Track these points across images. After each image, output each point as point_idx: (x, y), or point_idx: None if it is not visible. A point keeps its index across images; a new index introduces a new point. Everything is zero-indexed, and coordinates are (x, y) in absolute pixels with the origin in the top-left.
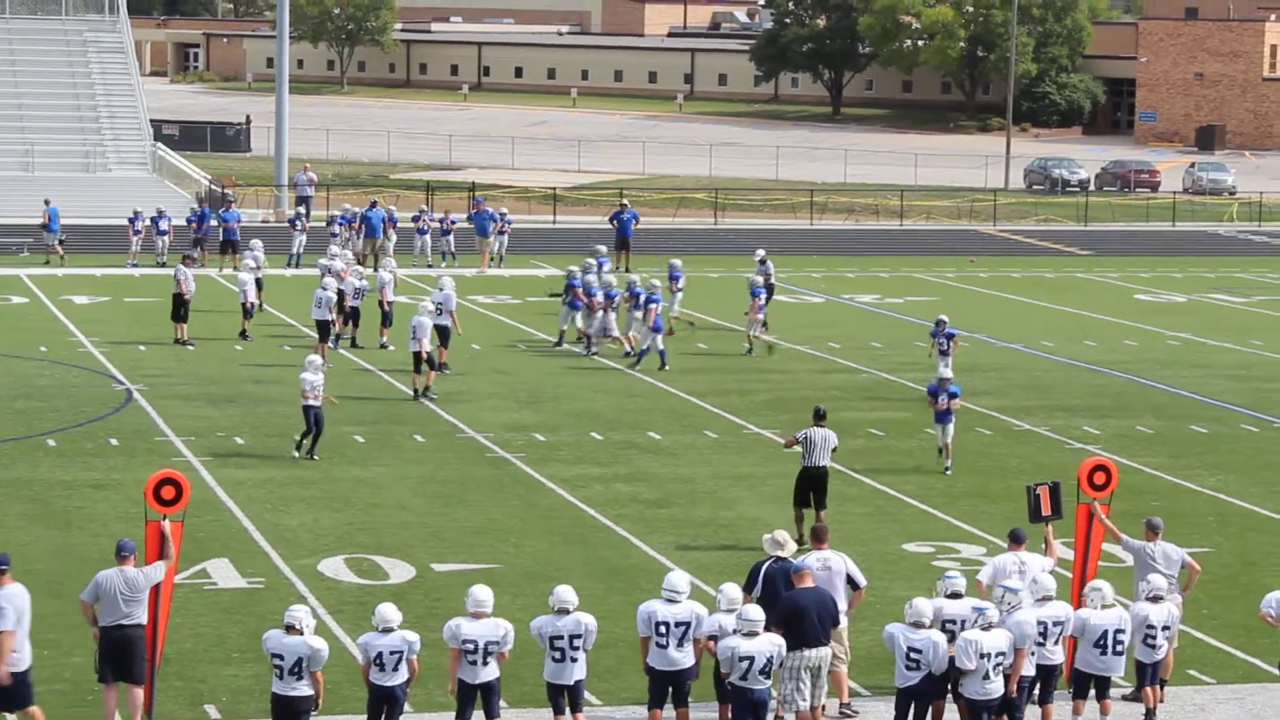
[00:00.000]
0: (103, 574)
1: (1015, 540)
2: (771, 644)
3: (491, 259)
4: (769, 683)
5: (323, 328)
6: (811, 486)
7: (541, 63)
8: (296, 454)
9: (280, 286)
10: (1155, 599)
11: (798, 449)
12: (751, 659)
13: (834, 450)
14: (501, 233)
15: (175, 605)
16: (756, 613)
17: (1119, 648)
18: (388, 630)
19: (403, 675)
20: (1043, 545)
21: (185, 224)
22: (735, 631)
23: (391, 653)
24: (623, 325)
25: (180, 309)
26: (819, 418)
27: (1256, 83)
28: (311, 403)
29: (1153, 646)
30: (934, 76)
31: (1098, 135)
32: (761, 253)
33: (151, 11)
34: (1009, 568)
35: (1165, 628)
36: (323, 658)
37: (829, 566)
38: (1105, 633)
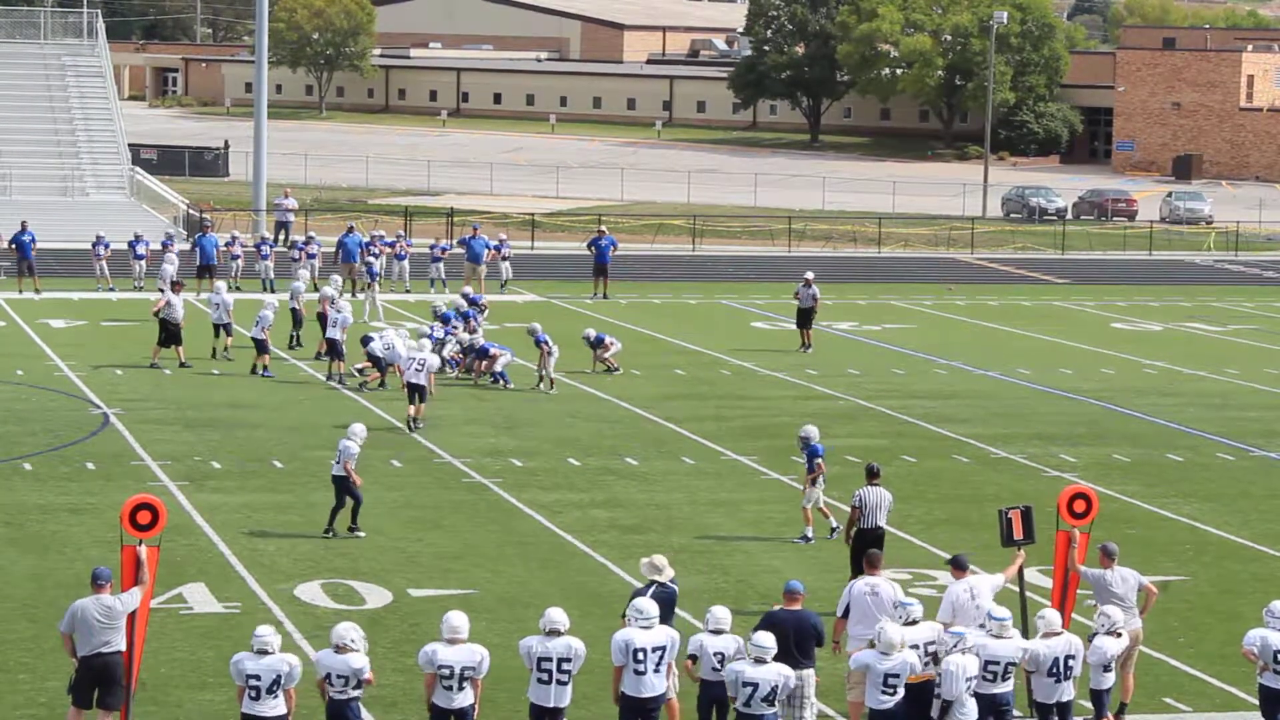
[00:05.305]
0: (78, 603)
1: (958, 567)
2: (779, 673)
3: (502, 285)
4: (772, 710)
5: (259, 345)
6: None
7: (520, 89)
8: (328, 534)
9: (255, 311)
10: (1114, 633)
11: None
12: (755, 685)
13: (889, 511)
14: (504, 259)
15: (151, 630)
16: (768, 639)
17: (1069, 673)
18: (341, 650)
19: (353, 694)
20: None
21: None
22: (743, 656)
23: (339, 676)
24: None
25: (164, 333)
26: (872, 476)
27: (1233, 113)
28: (342, 474)
29: (1106, 675)
30: (912, 105)
31: (1075, 164)
32: (809, 275)
33: (130, 36)
34: (963, 599)
35: (1118, 657)
36: (298, 674)
37: (877, 593)
38: (1056, 660)
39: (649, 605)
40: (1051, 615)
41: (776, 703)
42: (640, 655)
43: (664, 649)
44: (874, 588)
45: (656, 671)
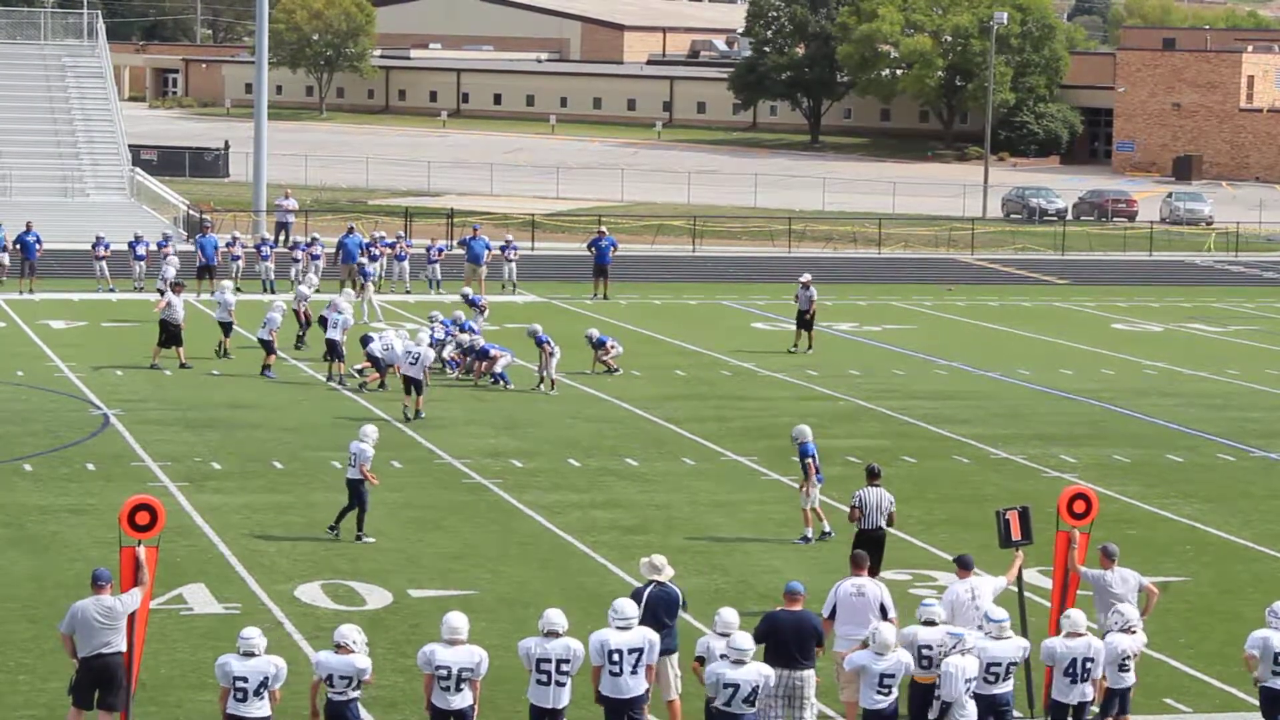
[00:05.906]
0: (78, 604)
1: (963, 566)
2: (759, 674)
3: (504, 286)
4: (753, 710)
5: (266, 346)
6: (868, 551)
7: (520, 90)
8: (332, 532)
9: (256, 312)
10: (1129, 630)
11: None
12: (736, 686)
13: (890, 515)
14: (510, 260)
15: (151, 631)
16: (745, 641)
17: (1087, 674)
18: (342, 650)
19: (352, 695)
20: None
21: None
22: (723, 658)
23: (341, 677)
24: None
25: (164, 334)
26: (872, 477)
27: (1233, 113)
28: (358, 477)
29: (1124, 675)
30: (912, 105)
31: (1075, 165)
32: (806, 277)
33: (130, 37)
34: (963, 599)
35: (1134, 655)
36: (284, 675)
37: (863, 593)
38: (1075, 660)
39: (627, 606)
40: (1077, 616)
41: (758, 702)
42: (616, 656)
43: (641, 651)
44: (860, 588)
45: (634, 673)
